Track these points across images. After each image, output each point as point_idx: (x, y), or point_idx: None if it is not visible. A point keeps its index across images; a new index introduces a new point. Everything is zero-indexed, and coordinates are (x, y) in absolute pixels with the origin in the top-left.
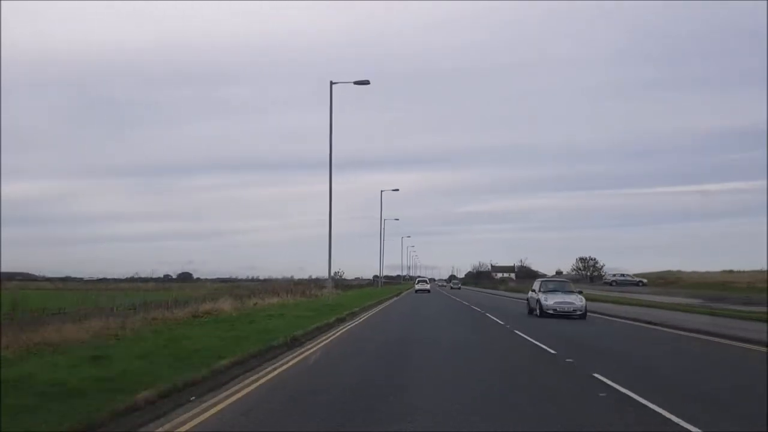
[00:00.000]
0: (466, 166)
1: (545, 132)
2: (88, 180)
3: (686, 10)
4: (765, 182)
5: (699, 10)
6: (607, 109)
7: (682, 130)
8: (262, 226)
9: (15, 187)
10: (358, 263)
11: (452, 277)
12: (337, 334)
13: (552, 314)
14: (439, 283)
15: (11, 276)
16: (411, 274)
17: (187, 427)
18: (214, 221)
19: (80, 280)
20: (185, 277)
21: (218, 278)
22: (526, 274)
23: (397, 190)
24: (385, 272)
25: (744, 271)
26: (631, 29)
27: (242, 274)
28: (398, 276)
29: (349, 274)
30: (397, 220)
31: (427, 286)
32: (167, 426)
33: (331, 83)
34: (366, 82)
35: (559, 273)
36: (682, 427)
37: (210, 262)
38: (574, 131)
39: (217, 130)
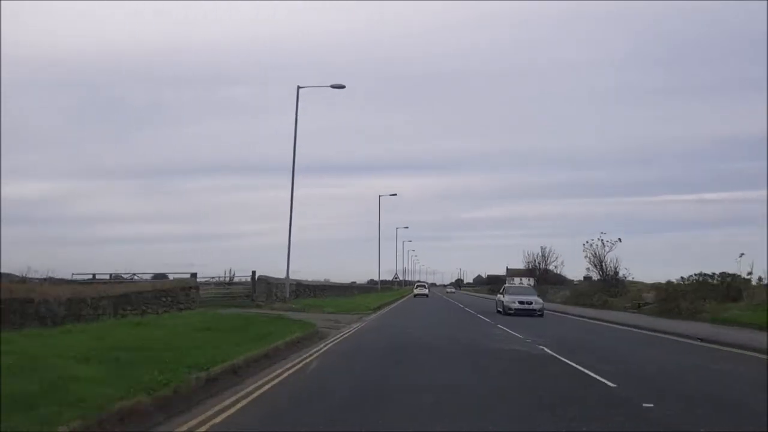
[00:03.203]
0: (469, 171)
1: (549, 137)
2: (90, 181)
3: (692, 16)
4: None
5: (705, 16)
6: (612, 115)
7: (688, 137)
8: (264, 229)
9: (17, 188)
10: (359, 267)
11: (459, 281)
12: None
13: None
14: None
15: None
16: (410, 279)
17: None
18: (216, 223)
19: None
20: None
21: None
22: (553, 280)
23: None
24: (383, 276)
25: None
26: (637, 35)
27: (240, 275)
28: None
29: (346, 278)
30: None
31: (426, 291)
32: None
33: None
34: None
35: (587, 279)
36: None
37: (211, 264)
38: (579, 137)
39: (220, 131)
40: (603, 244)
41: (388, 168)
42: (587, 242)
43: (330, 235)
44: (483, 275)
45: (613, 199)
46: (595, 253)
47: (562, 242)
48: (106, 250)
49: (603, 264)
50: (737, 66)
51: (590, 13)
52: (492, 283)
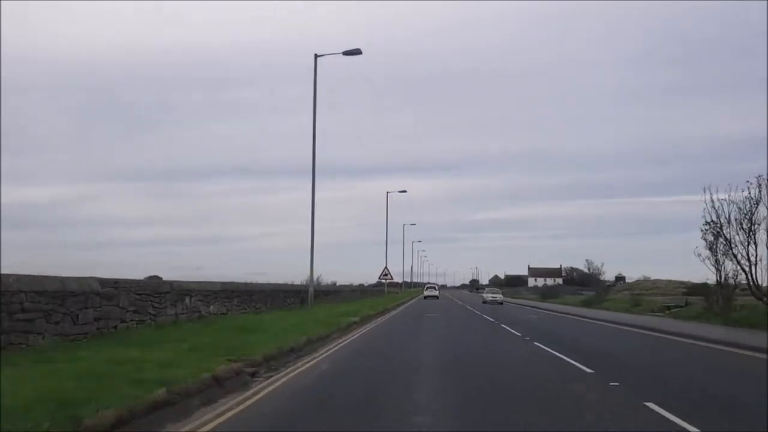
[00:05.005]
0: (479, 172)
1: (562, 137)
2: (98, 184)
3: (706, 13)
4: None
5: (719, 13)
6: (626, 114)
7: (702, 136)
8: (274, 232)
9: (25, 192)
10: (364, 269)
11: (474, 282)
12: None
13: None
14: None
15: None
16: (419, 281)
17: None
18: (226, 226)
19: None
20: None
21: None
22: (582, 281)
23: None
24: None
25: None
26: (650, 33)
27: (248, 279)
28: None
29: (354, 280)
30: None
31: (436, 293)
32: None
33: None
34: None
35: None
36: None
37: (219, 267)
38: (592, 137)
39: (229, 133)
40: None
41: (396, 170)
42: None
43: (338, 238)
44: (500, 275)
45: (628, 199)
46: None
47: (574, 243)
48: (114, 253)
49: None
50: (757, 63)
51: (605, 11)
52: (511, 285)
